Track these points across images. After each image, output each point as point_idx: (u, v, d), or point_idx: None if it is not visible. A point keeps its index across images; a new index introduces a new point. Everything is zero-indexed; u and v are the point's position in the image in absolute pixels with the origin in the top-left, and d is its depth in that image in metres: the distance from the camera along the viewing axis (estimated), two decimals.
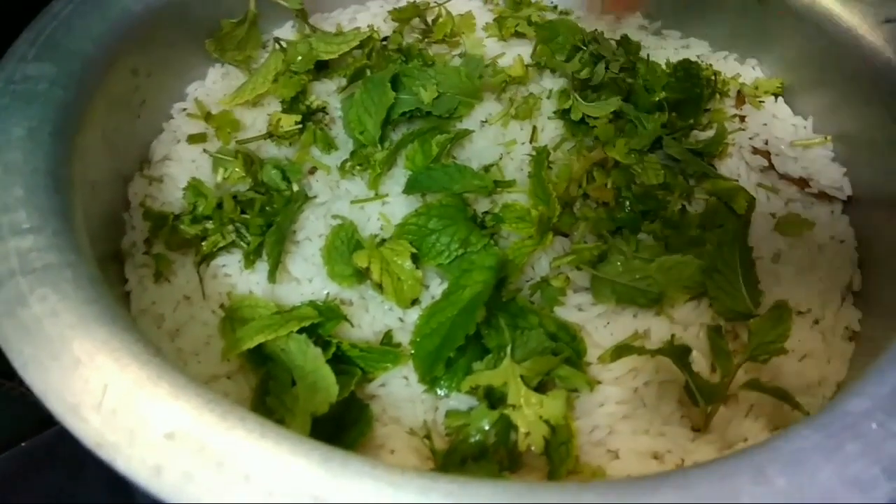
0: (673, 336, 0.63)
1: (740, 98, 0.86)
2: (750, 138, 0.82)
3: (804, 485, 0.42)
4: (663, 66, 0.85)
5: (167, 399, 0.44)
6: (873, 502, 0.42)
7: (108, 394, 0.43)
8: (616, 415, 0.61)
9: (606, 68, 0.80)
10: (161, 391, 0.44)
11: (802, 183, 0.79)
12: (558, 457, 0.56)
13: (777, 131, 0.83)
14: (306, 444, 0.43)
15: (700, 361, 0.65)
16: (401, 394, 0.62)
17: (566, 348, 0.62)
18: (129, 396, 0.43)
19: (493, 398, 0.59)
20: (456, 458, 0.57)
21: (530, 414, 0.56)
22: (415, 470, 0.43)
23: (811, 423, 0.46)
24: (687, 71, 0.80)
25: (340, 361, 0.62)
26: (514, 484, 0.42)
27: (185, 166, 0.77)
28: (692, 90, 0.79)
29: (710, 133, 0.81)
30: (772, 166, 0.80)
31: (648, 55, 0.87)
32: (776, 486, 0.42)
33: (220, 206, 0.71)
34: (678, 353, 0.60)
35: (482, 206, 0.74)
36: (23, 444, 0.83)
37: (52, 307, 0.47)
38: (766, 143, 0.81)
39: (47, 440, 0.85)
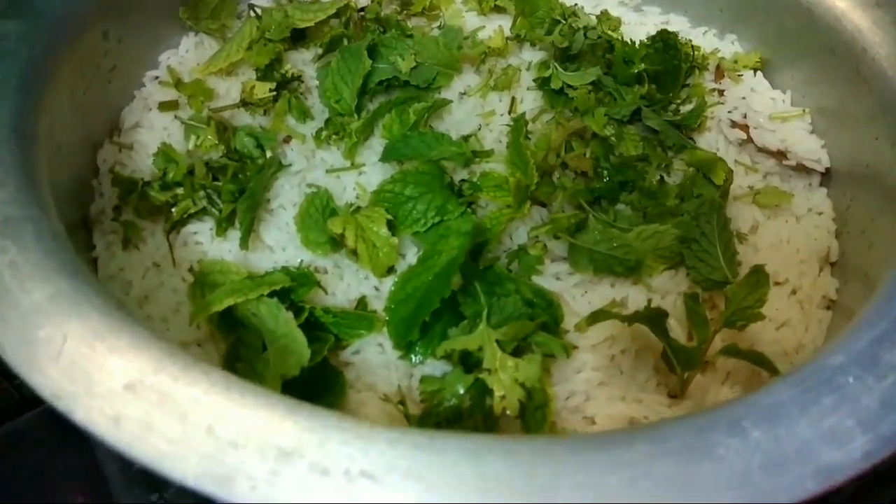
0: (649, 301, 0.62)
1: (719, 72, 0.86)
2: (729, 112, 0.82)
3: (780, 437, 0.41)
4: (643, 40, 0.84)
5: (128, 350, 0.42)
6: (849, 454, 0.41)
7: (67, 344, 0.42)
8: (592, 381, 0.61)
9: (585, 36, 0.80)
10: (122, 343, 0.43)
11: (780, 155, 0.78)
12: (534, 421, 0.55)
13: (756, 105, 0.83)
14: (272, 397, 0.42)
15: (677, 330, 0.64)
16: (375, 361, 0.61)
17: (543, 314, 0.62)
18: (88, 347, 0.42)
19: (469, 363, 0.58)
20: (430, 422, 0.56)
21: (506, 377, 0.55)
22: (383, 424, 0.42)
23: (787, 379, 0.46)
24: (665, 42, 0.79)
25: (313, 328, 0.61)
26: (482, 436, 0.41)
27: (156, 134, 0.75)
28: (671, 61, 0.79)
29: (689, 107, 0.81)
30: (750, 139, 0.79)
31: (622, 35, 0.87)
32: (752, 438, 0.41)
33: (191, 172, 0.69)
34: (654, 317, 0.59)
35: (459, 176, 0.73)
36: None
37: (11, 259, 0.46)
38: (745, 116, 0.81)
39: (20, 427, 0.83)
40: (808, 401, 0.44)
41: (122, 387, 0.40)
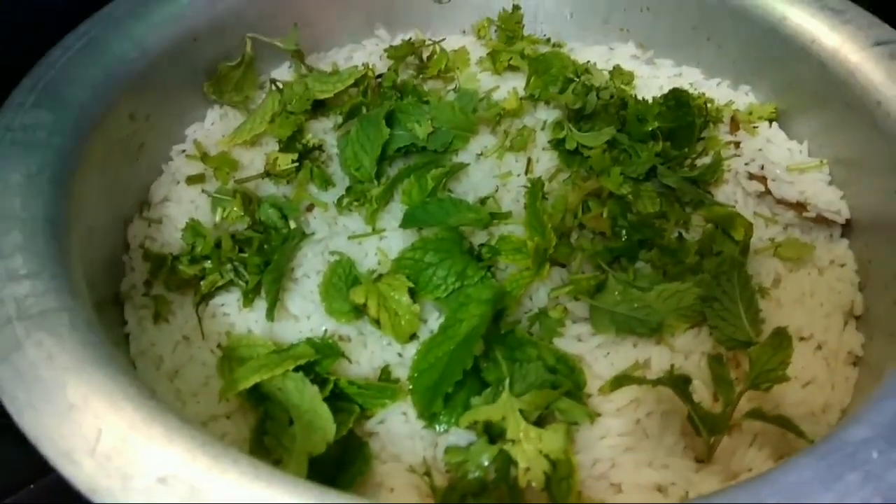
0: (672, 366, 0.62)
1: (734, 124, 0.86)
2: (746, 164, 0.82)
3: None
4: (657, 95, 0.85)
5: (161, 442, 0.44)
6: None
7: (102, 438, 0.43)
8: (618, 447, 0.61)
9: (598, 97, 0.81)
10: (155, 433, 0.44)
11: (800, 207, 0.78)
12: (560, 492, 0.55)
13: (772, 156, 0.83)
14: (300, 486, 0.43)
15: (702, 391, 0.64)
16: (400, 430, 0.62)
17: (565, 381, 0.62)
18: (122, 440, 0.43)
19: (493, 433, 0.58)
20: (455, 495, 0.56)
21: (530, 449, 0.56)
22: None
23: (811, 454, 0.46)
24: (678, 99, 0.80)
25: (338, 398, 0.62)
26: None
27: (184, 207, 0.78)
28: (684, 118, 0.80)
29: (705, 160, 0.82)
30: (768, 191, 0.80)
31: (636, 89, 0.88)
32: None
33: (218, 245, 0.71)
34: (678, 382, 0.59)
35: (479, 238, 0.74)
36: (31, 486, 0.83)
37: (47, 352, 0.48)
38: (762, 168, 0.81)
39: (61, 477, 0.85)
40: (831, 478, 0.43)
41: (155, 480, 0.42)
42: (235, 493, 0.41)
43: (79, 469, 0.42)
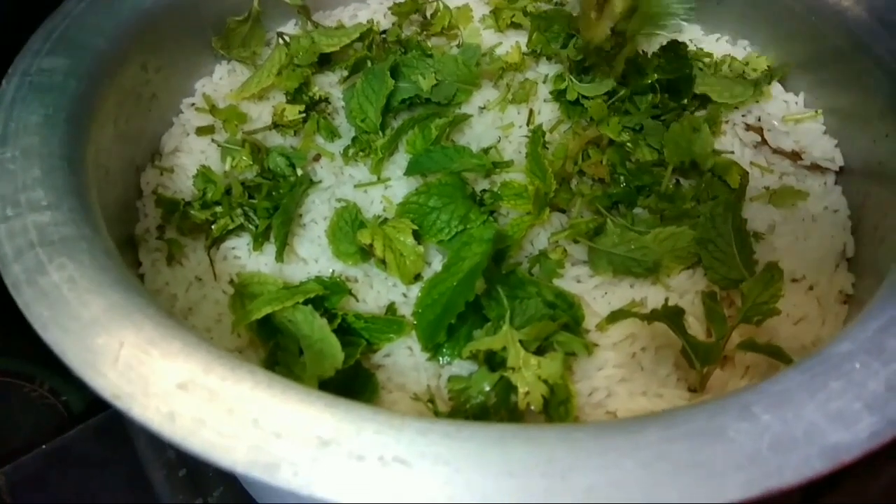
0: (666, 299, 0.64)
1: None
2: (743, 115, 0.84)
3: (788, 420, 0.44)
4: (655, 51, 0.87)
5: (179, 354, 0.46)
6: (856, 434, 0.43)
7: (123, 350, 0.46)
8: (614, 378, 0.63)
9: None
10: (173, 348, 0.46)
11: (795, 156, 0.80)
12: (557, 416, 0.58)
13: (769, 107, 0.85)
14: (312, 393, 0.45)
15: (696, 327, 0.66)
16: (405, 363, 0.65)
17: (564, 315, 0.64)
18: (144, 352, 0.46)
19: (494, 363, 0.61)
20: (458, 418, 0.58)
21: (529, 375, 0.58)
22: (413, 416, 0.45)
23: (797, 367, 0.48)
24: (675, 52, 0.82)
25: (346, 333, 0.64)
26: (507, 425, 0.44)
27: (194, 157, 0.80)
28: (682, 70, 0.81)
29: (702, 113, 0.84)
30: (765, 141, 0.82)
31: (636, 45, 0.90)
32: (761, 421, 0.44)
33: (228, 191, 0.74)
34: (672, 315, 0.62)
35: (481, 186, 0.76)
36: (44, 447, 0.87)
37: (69, 274, 0.50)
38: (759, 119, 0.83)
39: (68, 442, 0.88)
40: (816, 386, 0.46)
41: (175, 386, 0.44)
42: (251, 398, 0.44)
43: (102, 378, 0.45)
